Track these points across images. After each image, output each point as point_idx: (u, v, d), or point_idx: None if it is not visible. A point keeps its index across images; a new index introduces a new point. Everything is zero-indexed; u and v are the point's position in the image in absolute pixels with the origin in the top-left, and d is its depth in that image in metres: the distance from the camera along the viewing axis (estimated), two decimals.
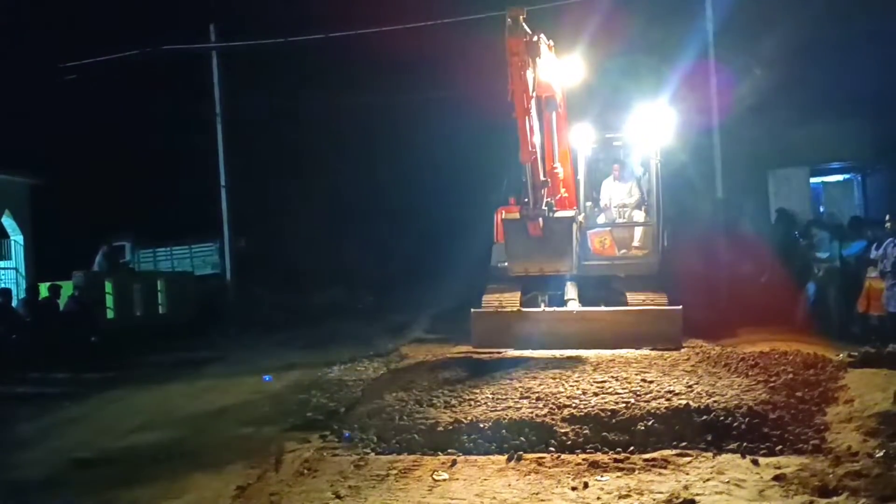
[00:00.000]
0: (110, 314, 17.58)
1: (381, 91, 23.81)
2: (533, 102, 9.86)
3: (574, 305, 12.50)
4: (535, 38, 9.72)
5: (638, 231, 13.65)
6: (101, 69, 19.97)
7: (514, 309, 12.34)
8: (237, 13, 23.85)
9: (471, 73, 20.91)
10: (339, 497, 5.84)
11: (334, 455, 6.91)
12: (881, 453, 5.98)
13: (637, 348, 10.92)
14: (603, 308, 12.42)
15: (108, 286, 17.76)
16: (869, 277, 11.46)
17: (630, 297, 12.39)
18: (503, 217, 11.81)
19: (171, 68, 23.33)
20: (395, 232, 27.63)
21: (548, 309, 12.36)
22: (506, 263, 11.74)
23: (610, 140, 14.04)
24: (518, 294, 12.63)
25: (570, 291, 12.74)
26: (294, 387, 10.46)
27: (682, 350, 10.56)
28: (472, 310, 12.42)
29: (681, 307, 11.75)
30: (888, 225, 11.30)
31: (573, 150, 13.35)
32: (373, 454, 6.89)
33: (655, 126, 13.25)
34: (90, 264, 19.69)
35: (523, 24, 9.45)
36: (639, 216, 13.89)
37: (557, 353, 10.74)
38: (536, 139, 10.08)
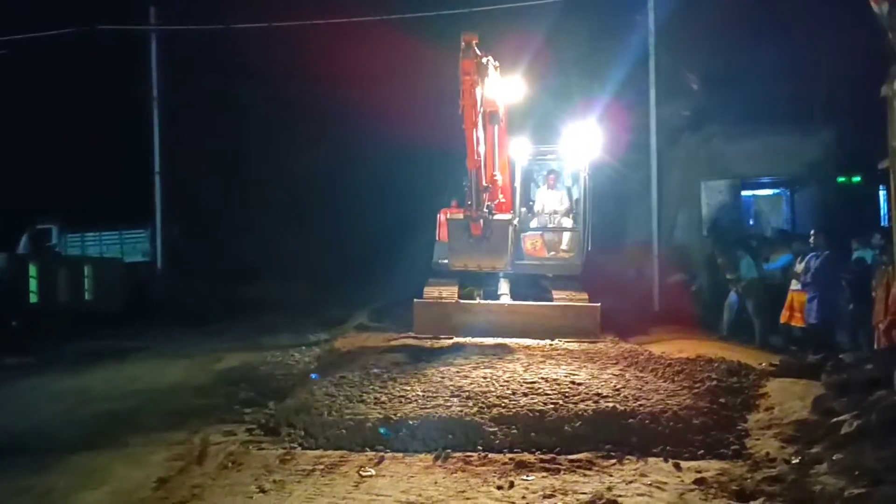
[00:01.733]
0: (34, 298, 16.99)
1: (327, 83, 23.48)
2: (479, 116, 11.02)
3: (506, 299, 13.73)
4: (485, 61, 10.89)
5: (566, 236, 14.96)
6: (34, 45, 19.36)
7: (454, 300, 13.49)
8: None
9: (422, 77, 21.17)
10: (263, 491, 5.77)
11: (260, 449, 6.84)
12: (797, 460, 6.18)
13: (559, 339, 12.19)
14: (531, 302, 13.58)
15: (33, 269, 17.14)
16: (792, 290, 11.80)
17: (555, 293, 13.62)
18: (448, 217, 13.21)
19: (109, 49, 22.76)
20: (336, 228, 27.44)
21: (483, 301, 13.68)
22: (446, 260, 13.14)
23: (545, 153, 15.21)
24: (456, 287, 13.84)
25: (503, 287, 13.99)
26: (222, 379, 10.29)
27: (612, 354, 10.73)
28: (415, 300, 13.45)
29: (599, 304, 13.07)
30: (812, 240, 11.66)
31: (512, 160, 14.42)
32: (299, 449, 6.84)
33: (584, 143, 14.40)
34: (14, 246, 19.07)
35: (475, 47, 10.55)
36: (567, 222, 15.12)
37: (490, 340, 11.96)
38: (481, 149, 11.18)
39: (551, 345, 11.79)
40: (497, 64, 11.95)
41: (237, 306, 19.14)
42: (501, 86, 12.29)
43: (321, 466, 6.34)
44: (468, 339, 12.10)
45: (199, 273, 21.45)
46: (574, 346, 11.72)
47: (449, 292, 13.71)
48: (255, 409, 8.36)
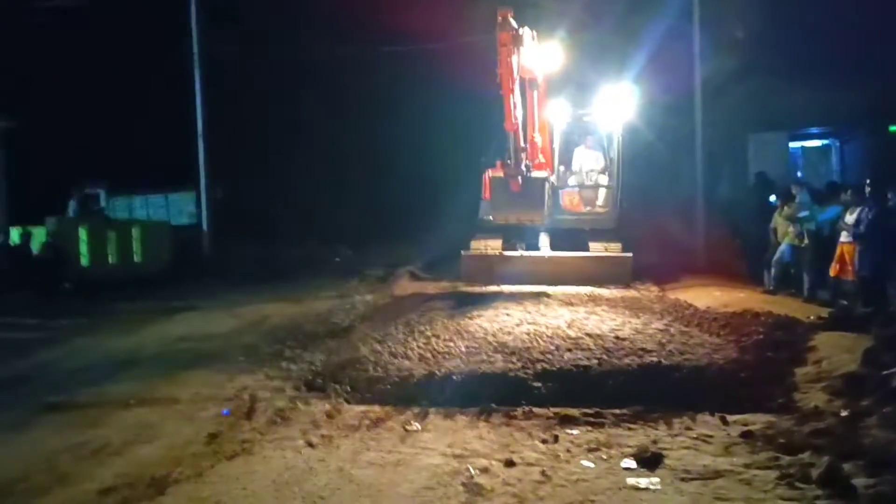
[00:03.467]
0: (84, 261, 17.39)
1: (370, 42, 23.31)
2: (517, 84, 11.77)
3: (546, 251, 14.89)
4: (520, 32, 11.60)
5: (601, 192, 16.05)
6: (73, 7, 19.43)
7: (497, 252, 14.66)
8: None
9: (465, 39, 21.08)
10: (311, 445, 5.88)
11: (307, 404, 6.94)
12: (846, 413, 6.10)
13: (596, 286, 13.31)
14: (568, 253, 14.62)
15: (83, 233, 17.53)
16: (842, 242, 11.54)
17: (592, 245, 14.72)
18: (490, 175, 13.98)
19: (147, 6, 22.83)
20: (380, 187, 27.50)
21: (524, 253, 14.77)
22: (491, 216, 13.97)
23: (581, 115, 16.10)
24: (500, 241, 14.86)
25: (543, 240, 15.12)
26: (269, 336, 10.43)
27: (657, 309, 10.65)
28: (462, 252, 14.75)
29: (630, 255, 14.34)
30: (868, 190, 11.35)
31: (550, 123, 15.56)
32: (346, 404, 6.94)
33: (617, 105, 15.34)
34: (64, 211, 19.44)
35: (510, 20, 11.38)
36: (603, 180, 16.14)
37: (530, 288, 12.76)
38: (519, 113, 11.90)
39: (588, 294, 12.34)
40: (534, 33, 12.69)
41: (281, 266, 19.34)
42: (538, 54, 13.02)
43: (367, 421, 6.44)
44: (511, 288, 13.03)
45: (243, 235, 21.67)
46: (607, 293, 12.61)
47: (494, 245, 14.74)
48: (302, 366, 8.45)
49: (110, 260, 18.52)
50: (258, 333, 10.78)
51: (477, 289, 13.43)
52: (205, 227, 21.21)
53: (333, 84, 26.51)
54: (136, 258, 19.44)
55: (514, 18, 11.55)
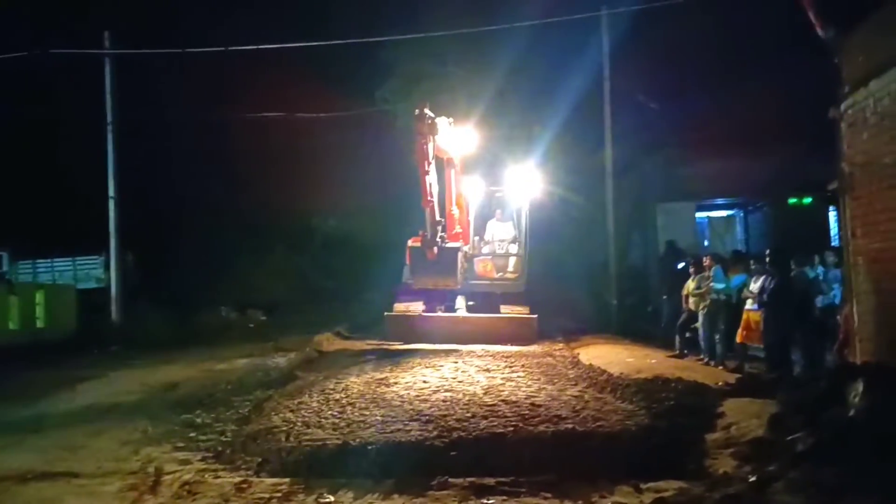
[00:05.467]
0: None
1: (291, 110, 23.41)
2: (433, 165, 13.64)
3: (462, 312, 16.60)
4: (435, 121, 13.42)
5: (511, 260, 17.69)
6: None
7: (418, 313, 16.05)
8: (134, 19, 23.23)
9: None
10: None
11: (216, 477, 6.70)
12: (754, 478, 6.21)
13: (505, 344, 14.70)
14: (481, 315, 16.32)
15: None
16: (747, 309, 11.93)
17: (503, 307, 16.21)
18: (409, 244, 15.37)
19: (61, 73, 22.44)
20: (302, 254, 27.39)
21: (442, 314, 16.36)
22: (411, 281, 15.62)
23: (493, 191, 18.48)
24: (421, 303, 16.21)
25: (460, 302, 16.77)
26: (177, 405, 10.07)
27: (571, 376, 10.82)
28: (386, 313, 16.39)
29: (536, 316, 15.94)
30: (767, 260, 11.81)
31: (467, 197, 17.56)
32: (256, 477, 6.71)
33: (523, 183, 17.84)
34: None
35: (426, 111, 13.15)
36: (513, 249, 17.91)
37: (448, 346, 14.28)
38: (434, 190, 13.76)
39: (502, 354, 13.53)
40: (451, 120, 14.88)
41: (193, 332, 18.83)
42: (454, 137, 15.15)
43: (279, 494, 6.24)
44: (429, 346, 14.40)
45: (153, 300, 21.09)
46: (524, 353, 13.72)
47: (415, 307, 16.14)
48: (211, 436, 8.18)
49: (11, 326, 17.75)
50: (166, 402, 10.38)
51: (399, 346, 14.78)
52: (114, 291, 20.47)
53: (254, 147, 26.34)
54: (40, 323, 18.68)
55: (431, 109, 13.31)
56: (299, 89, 22.05)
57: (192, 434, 8.35)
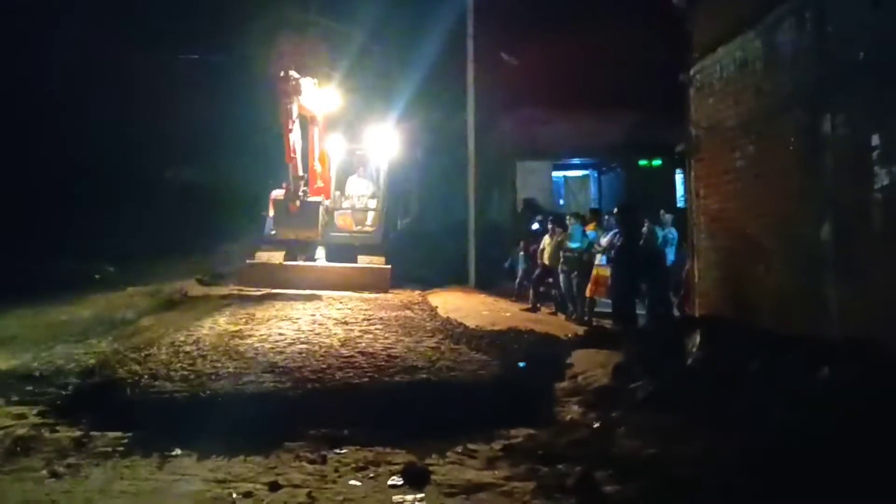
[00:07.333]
0: None
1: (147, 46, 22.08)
2: (297, 123, 14.62)
3: (321, 262, 17.32)
4: (297, 82, 14.22)
5: (370, 214, 18.60)
6: None
7: (279, 262, 16.58)
8: None
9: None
10: (55, 476, 5.37)
11: (53, 432, 6.34)
12: (598, 424, 6.49)
13: (360, 292, 15.26)
14: (339, 264, 16.90)
15: None
16: (597, 265, 12.41)
17: (360, 258, 16.97)
18: (273, 196, 16.31)
19: None
20: (156, 202, 26.07)
21: (301, 263, 17.01)
22: (274, 231, 16.55)
23: (354, 150, 19.51)
24: (283, 253, 16.79)
25: (320, 252, 17.63)
26: (13, 359, 9.46)
27: (429, 328, 10.95)
28: (247, 261, 16.86)
29: (390, 266, 16.66)
30: (614, 216, 12.30)
31: (329, 154, 18.37)
32: (98, 431, 6.40)
33: (382, 142, 19.03)
34: None
35: (292, 72, 13.94)
36: (372, 204, 18.84)
37: (306, 292, 14.75)
38: (297, 146, 14.81)
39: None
40: (315, 80, 15.61)
41: (28, 282, 17.61)
42: (318, 97, 16.00)
43: (121, 448, 5.97)
44: (288, 291, 14.84)
45: None
46: (369, 295, 15.02)
47: (277, 256, 16.67)
48: (50, 390, 7.71)
49: None
50: (1, 356, 9.76)
51: (261, 292, 14.94)
52: None
53: (102, 90, 24.74)
54: None
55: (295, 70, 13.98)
56: (153, 29, 20.96)
57: (28, 388, 7.87)
